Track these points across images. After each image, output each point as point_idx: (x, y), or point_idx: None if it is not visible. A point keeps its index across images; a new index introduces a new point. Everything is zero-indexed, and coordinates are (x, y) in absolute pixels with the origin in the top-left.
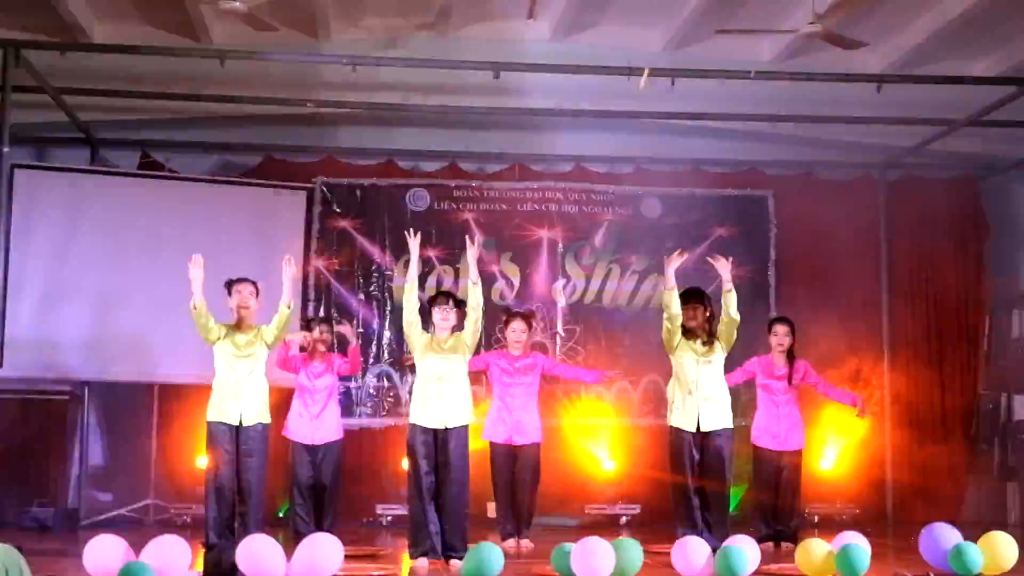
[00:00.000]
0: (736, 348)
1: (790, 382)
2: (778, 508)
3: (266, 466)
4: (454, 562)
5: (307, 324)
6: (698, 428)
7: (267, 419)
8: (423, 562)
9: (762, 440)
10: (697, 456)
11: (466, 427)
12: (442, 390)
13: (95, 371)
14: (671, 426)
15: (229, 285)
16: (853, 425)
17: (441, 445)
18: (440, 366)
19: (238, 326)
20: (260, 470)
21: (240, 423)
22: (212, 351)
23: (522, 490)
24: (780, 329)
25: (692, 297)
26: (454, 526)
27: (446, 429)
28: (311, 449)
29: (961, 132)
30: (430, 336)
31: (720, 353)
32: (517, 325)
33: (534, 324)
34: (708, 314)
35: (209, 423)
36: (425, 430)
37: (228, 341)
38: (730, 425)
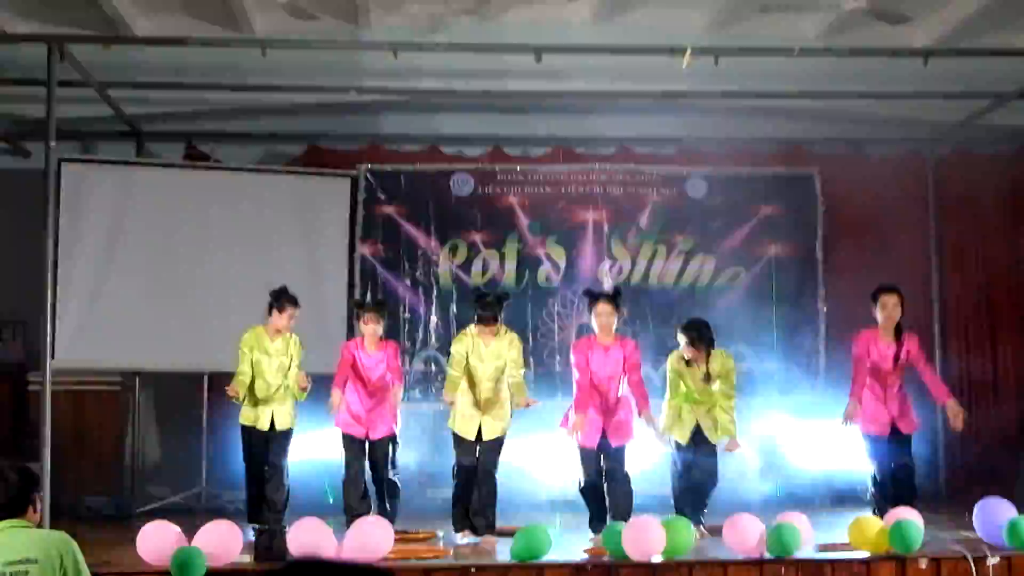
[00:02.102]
0: (783, 332)
1: (897, 361)
2: (898, 499)
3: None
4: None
5: (358, 310)
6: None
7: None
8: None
9: (869, 427)
10: None
11: None
12: None
13: (146, 361)
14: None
15: (278, 298)
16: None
17: None
18: None
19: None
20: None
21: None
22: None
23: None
24: (889, 300)
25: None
26: None
27: None
28: (364, 442)
29: (1010, 106)
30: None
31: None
32: (601, 308)
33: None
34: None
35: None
36: None
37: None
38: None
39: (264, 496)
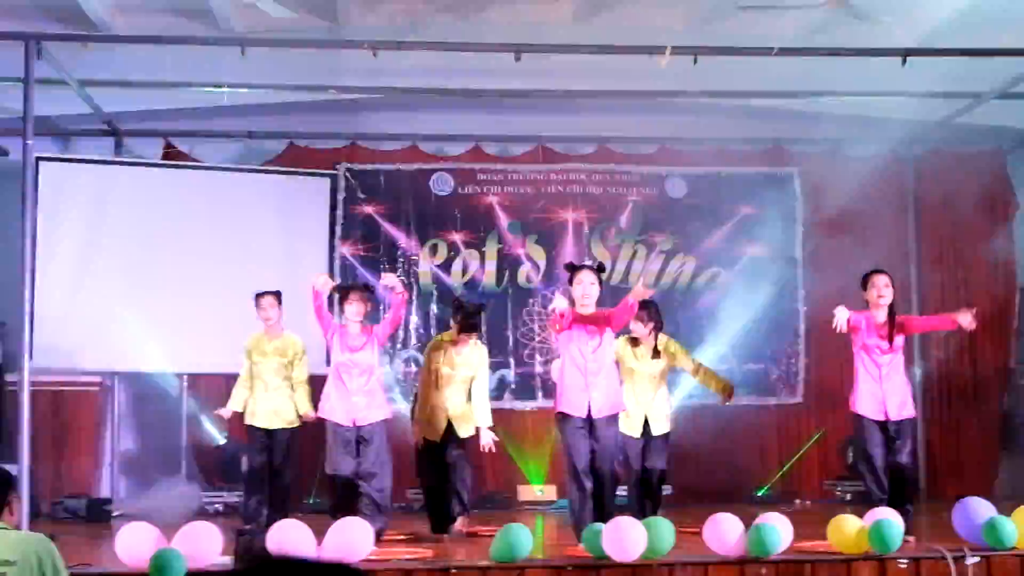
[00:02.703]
0: (762, 333)
1: (891, 341)
2: (893, 486)
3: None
4: None
5: (344, 293)
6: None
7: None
8: None
9: (864, 408)
10: None
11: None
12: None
13: (124, 362)
14: None
15: (258, 298)
16: None
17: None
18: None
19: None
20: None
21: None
22: (238, 343)
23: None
24: (879, 280)
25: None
26: None
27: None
28: (351, 431)
29: (989, 105)
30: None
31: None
32: (585, 277)
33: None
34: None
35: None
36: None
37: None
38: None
39: (264, 495)
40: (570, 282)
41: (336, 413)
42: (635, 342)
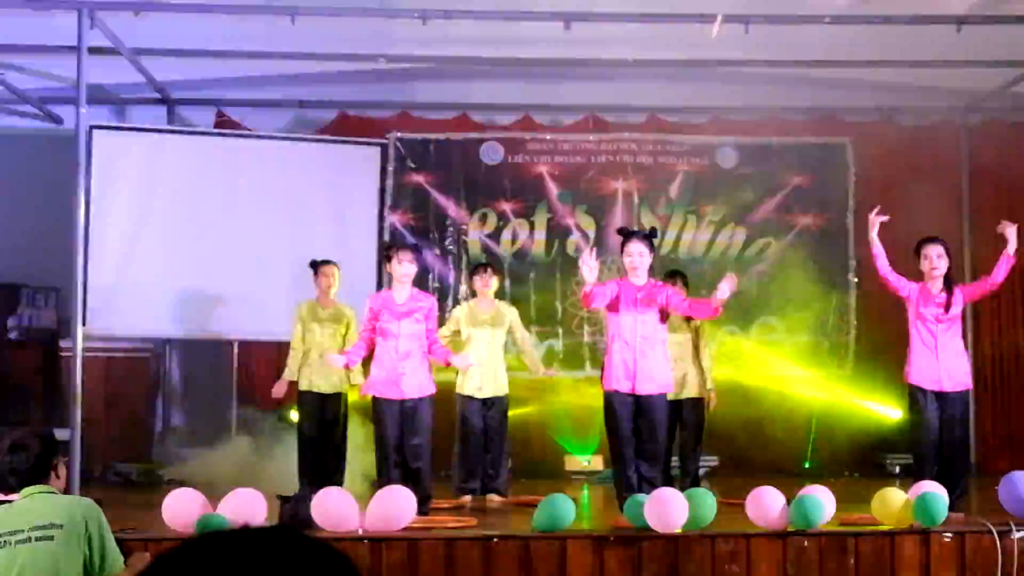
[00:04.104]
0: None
1: (947, 310)
2: (945, 460)
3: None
4: None
5: (387, 253)
6: None
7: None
8: None
9: (918, 378)
10: None
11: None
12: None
13: (176, 329)
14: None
15: (315, 266)
16: None
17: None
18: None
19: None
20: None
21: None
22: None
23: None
24: (932, 250)
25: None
26: None
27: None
28: (396, 405)
29: None
30: None
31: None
32: (635, 247)
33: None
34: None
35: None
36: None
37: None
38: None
39: (318, 461)
40: (621, 249)
41: (381, 386)
42: None
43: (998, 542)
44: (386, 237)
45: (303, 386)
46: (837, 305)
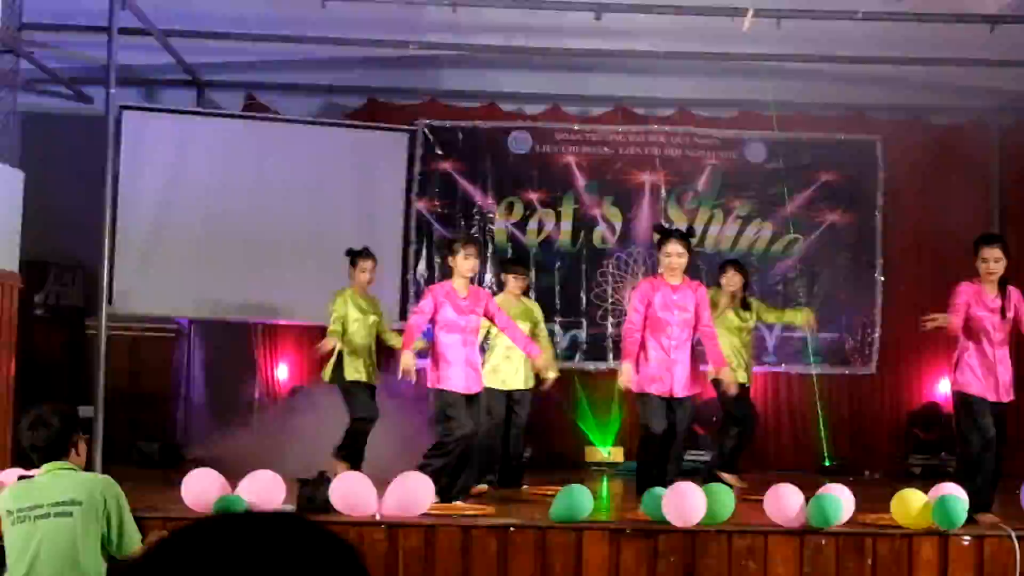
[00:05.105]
0: (838, 302)
1: (1004, 315)
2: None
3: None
4: None
5: (449, 246)
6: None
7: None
8: None
9: (974, 387)
10: None
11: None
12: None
13: (200, 310)
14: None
15: (353, 256)
16: None
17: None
18: None
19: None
20: None
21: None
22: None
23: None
24: (990, 253)
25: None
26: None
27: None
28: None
29: None
30: None
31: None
32: (673, 248)
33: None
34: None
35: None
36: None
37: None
38: None
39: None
40: (657, 247)
41: (460, 380)
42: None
43: (1016, 546)
44: (412, 224)
45: (350, 376)
46: (862, 303)
